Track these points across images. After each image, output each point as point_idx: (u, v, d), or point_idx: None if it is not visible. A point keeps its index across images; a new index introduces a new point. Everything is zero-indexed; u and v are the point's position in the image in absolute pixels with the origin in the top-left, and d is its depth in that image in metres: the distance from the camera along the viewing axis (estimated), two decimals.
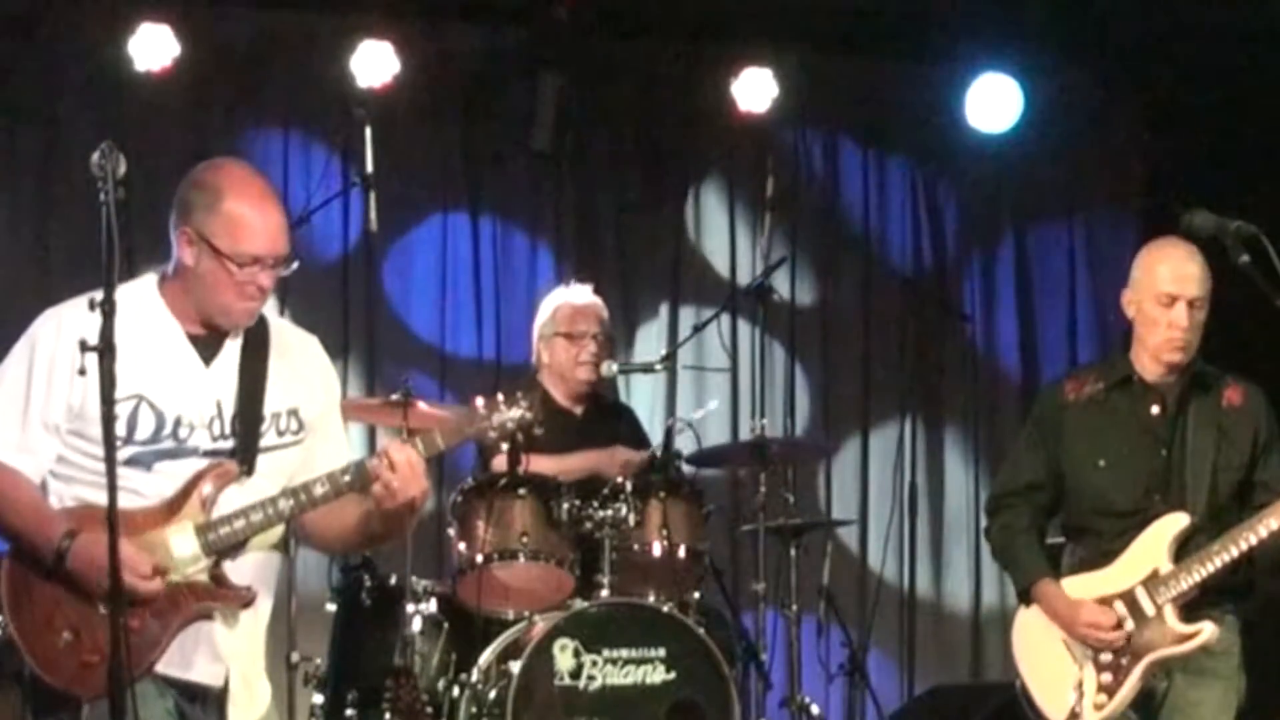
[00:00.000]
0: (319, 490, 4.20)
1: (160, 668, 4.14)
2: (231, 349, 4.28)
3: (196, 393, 4.21)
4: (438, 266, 8.88)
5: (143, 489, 4.14)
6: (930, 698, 8.22)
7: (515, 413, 4.35)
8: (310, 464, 4.30)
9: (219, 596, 4.18)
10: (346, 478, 4.21)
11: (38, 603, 4.11)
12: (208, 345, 4.26)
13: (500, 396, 4.36)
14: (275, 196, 4.31)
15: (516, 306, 8.66)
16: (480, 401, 4.36)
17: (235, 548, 4.18)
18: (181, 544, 4.13)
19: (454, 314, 8.87)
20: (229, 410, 4.22)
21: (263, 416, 4.25)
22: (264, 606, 4.34)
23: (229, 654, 4.23)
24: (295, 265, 4.30)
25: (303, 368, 4.37)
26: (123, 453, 4.06)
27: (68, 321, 4.17)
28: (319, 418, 4.36)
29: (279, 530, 4.30)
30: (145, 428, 4.15)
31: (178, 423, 4.17)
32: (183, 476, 4.17)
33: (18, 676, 4.13)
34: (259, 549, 4.27)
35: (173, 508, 4.15)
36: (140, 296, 4.19)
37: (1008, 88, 9.16)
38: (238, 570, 4.22)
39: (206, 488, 4.16)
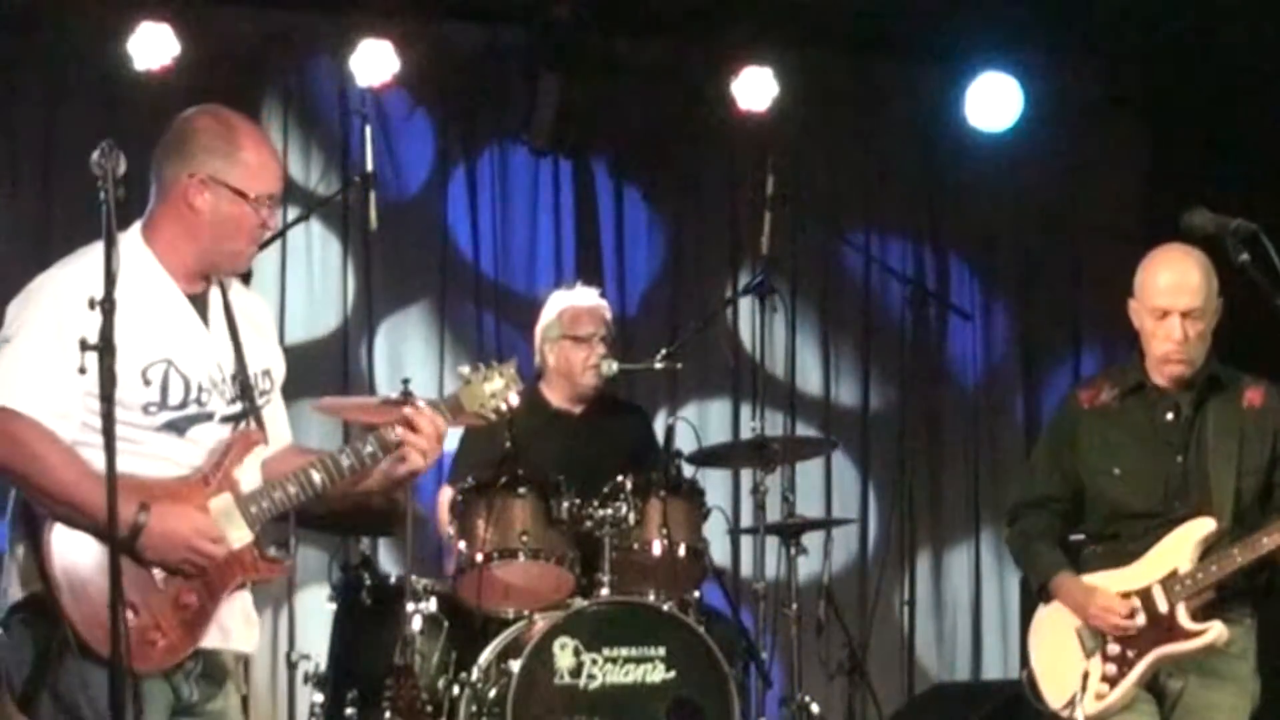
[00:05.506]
0: (345, 462, 4.16)
1: (202, 643, 4.07)
2: (216, 308, 4.22)
3: (205, 356, 4.15)
4: (438, 267, 8.89)
5: (177, 456, 4.05)
6: (930, 697, 8.22)
7: (499, 384, 4.33)
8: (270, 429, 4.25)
9: (263, 569, 4.14)
10: (369, 449, 4.18)
11: (94, 582, 3.92)
12: (200, 304, 4.19)
13: (480, 365, 4.36)
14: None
15: (517, 307, 8.66)
16: (466, 369, 4.36)
17: (274, 519, 4.14)
18: (226, 516, 4.07)
19: (454, 314, 8.89)
20: (228, 371, 4.17)
21: (252, 377, 4.21)
22: None
23: (255, 618, 4.24)
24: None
25: (264, 328, 4.34)
26: (158, 418, 4.02)
27: (65, 284, 4.04)
28: (278, 380, 4.32)
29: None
30: (176, 393, 4.07)
31: (200, 388, 4.11)
32: (206, 443, 4.10)
33: (64, 644, 3.92)
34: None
35: (208, 480, 4.08)
36: (130, 253, 4.03)
37: (1008, 87, 9.17)
38: None
39: (236, 457, 4.11)
